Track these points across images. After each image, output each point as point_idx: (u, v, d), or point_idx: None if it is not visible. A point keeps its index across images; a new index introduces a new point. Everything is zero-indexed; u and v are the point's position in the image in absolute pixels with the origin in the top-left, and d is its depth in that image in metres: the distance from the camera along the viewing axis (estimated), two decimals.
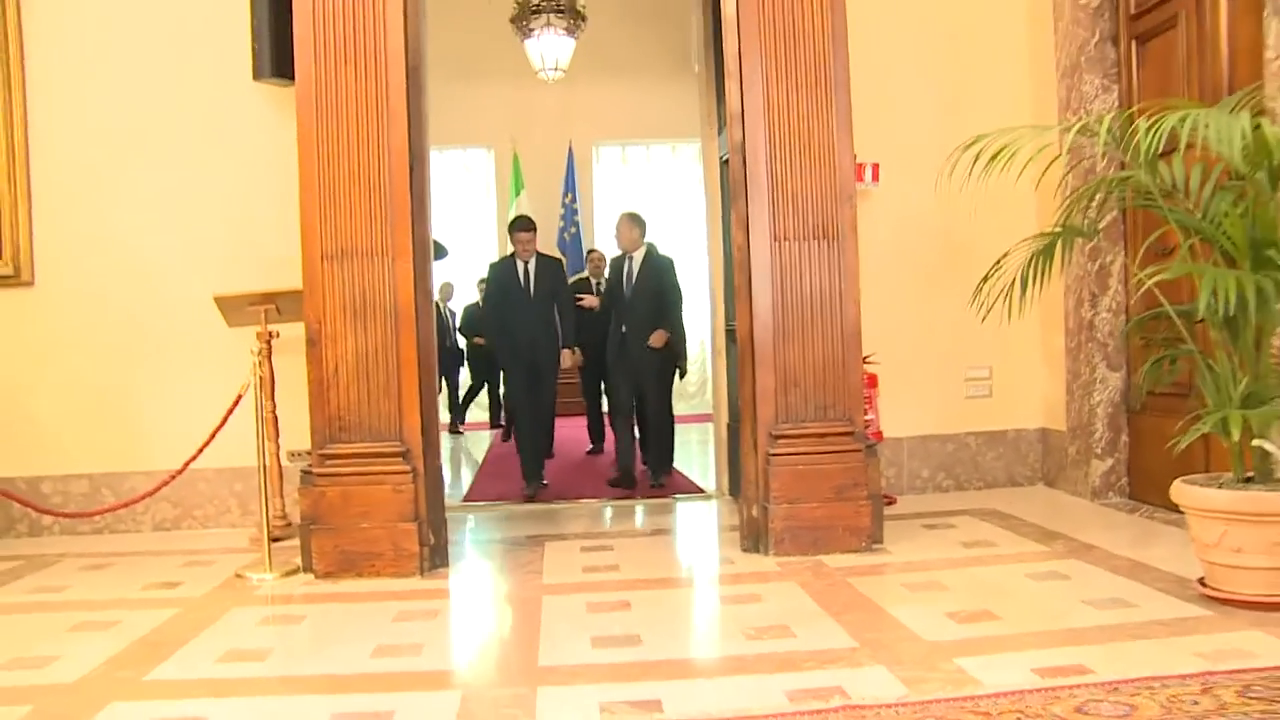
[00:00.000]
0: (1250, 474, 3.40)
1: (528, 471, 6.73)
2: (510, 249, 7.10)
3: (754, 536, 4.52)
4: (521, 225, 6.99)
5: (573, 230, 12.41)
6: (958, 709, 2.51)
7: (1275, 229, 3.40)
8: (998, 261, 4.10)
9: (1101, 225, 4.90)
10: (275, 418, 4.98)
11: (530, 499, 6.42)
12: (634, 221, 6.79)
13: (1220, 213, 3.47)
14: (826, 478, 4.44)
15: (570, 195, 12.44)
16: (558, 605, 3.77)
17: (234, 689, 2.97)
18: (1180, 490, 3.45)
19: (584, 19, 10.08)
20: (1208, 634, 3.06)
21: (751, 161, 4.50)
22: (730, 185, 4.74)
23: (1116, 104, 5.33)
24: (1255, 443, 3.35)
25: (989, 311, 4.01)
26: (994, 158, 3.76)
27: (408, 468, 4.18)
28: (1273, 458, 3.38)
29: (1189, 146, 3.27)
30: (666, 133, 12.44)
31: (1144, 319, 4.00)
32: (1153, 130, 3.28)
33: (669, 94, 12.01)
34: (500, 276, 7.05)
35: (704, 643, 3.51)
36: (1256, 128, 3.22)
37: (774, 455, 4.44)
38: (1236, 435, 3.27)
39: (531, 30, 9.59)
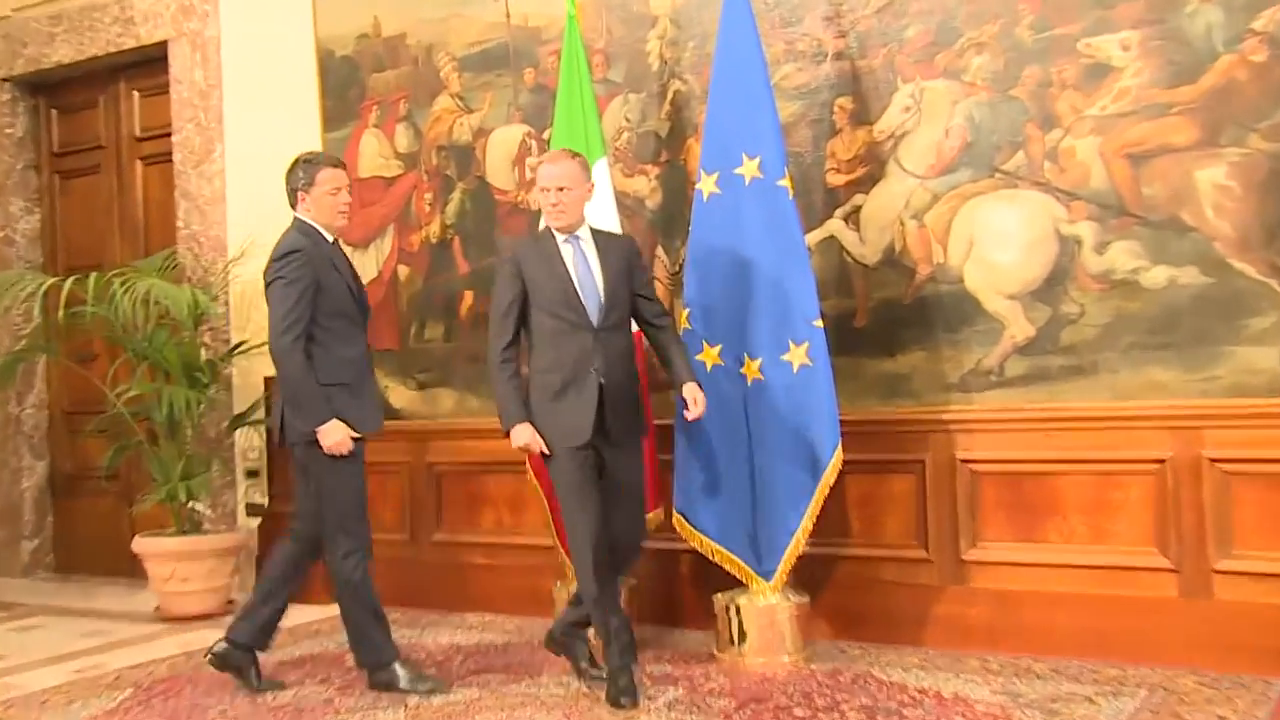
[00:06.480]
0: (186, 527, 4.89)
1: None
2: None
3: None
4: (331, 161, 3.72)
5: None
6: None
7: (199, 357, 5.00)
8: None
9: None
10: None
11: None
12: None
13: (161, 343, 4.91)
14: None
15: None
16: None
17: None
18: (141, 543, 4.80)
19: None
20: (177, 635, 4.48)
21: None
22: None
23: (40, 224, 6.35)
24: (191, 504, 4.87)
25: None
26: None
27: None
28: (200, 513, 4.95)
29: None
30: None
31: (106, 418, 5.15)
32: (128, 290, 4.58)
33: None
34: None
35: None
36: (191, 294, 4.77)
37: None
38: (184, 499, 4.77)
39: None
